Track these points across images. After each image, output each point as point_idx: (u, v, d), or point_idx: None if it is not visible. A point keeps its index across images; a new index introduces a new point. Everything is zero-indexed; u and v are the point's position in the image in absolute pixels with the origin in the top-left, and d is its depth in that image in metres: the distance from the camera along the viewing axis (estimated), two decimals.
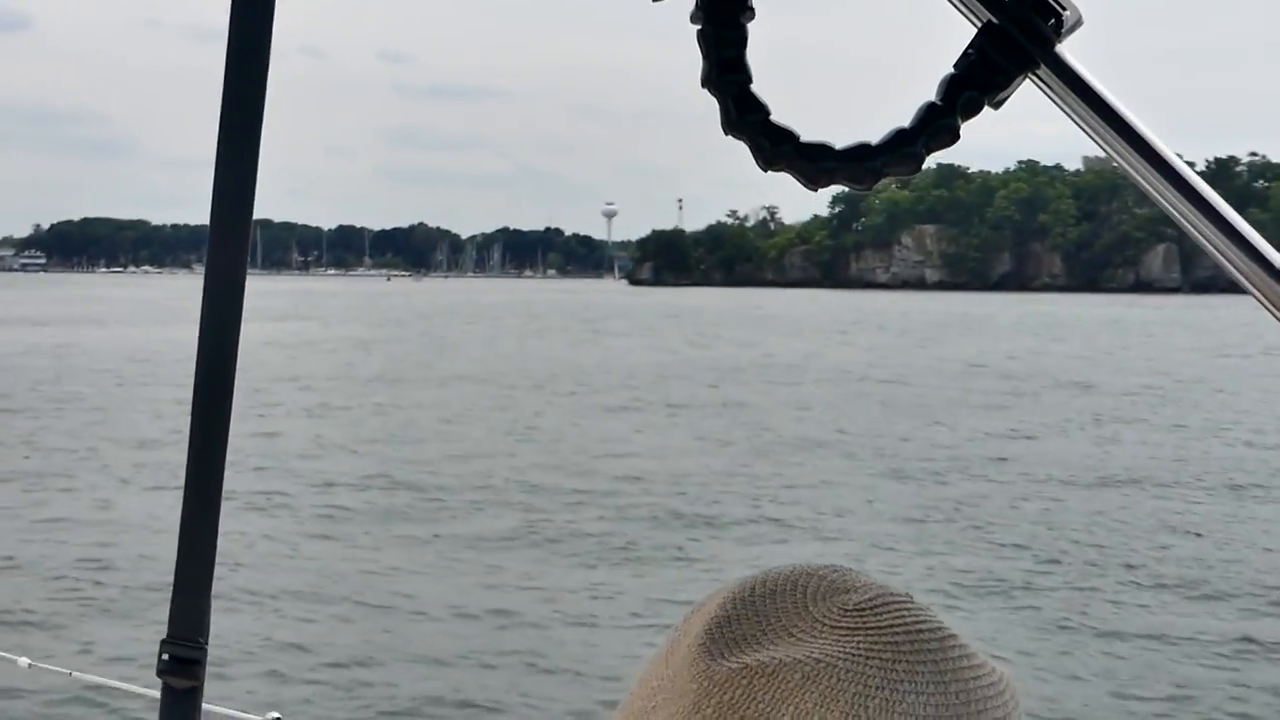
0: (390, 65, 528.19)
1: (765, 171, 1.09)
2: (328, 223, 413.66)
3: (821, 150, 1.08)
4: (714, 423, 36.24)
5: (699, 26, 1.05)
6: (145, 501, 22.99)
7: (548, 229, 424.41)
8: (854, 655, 0.90)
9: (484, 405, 40.23)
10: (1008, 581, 18.40)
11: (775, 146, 1.07)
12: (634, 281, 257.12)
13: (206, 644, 1.64)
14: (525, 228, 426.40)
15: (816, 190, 1.12)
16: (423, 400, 41.39)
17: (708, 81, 1.06)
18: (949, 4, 1.09)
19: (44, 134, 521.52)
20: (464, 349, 67.38)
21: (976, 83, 1.07)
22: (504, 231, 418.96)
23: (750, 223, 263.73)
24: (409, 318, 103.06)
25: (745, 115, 1.06)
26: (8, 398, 38.81)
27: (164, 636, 1.52)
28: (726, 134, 1.07)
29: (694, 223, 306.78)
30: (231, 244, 1.47)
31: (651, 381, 48.65)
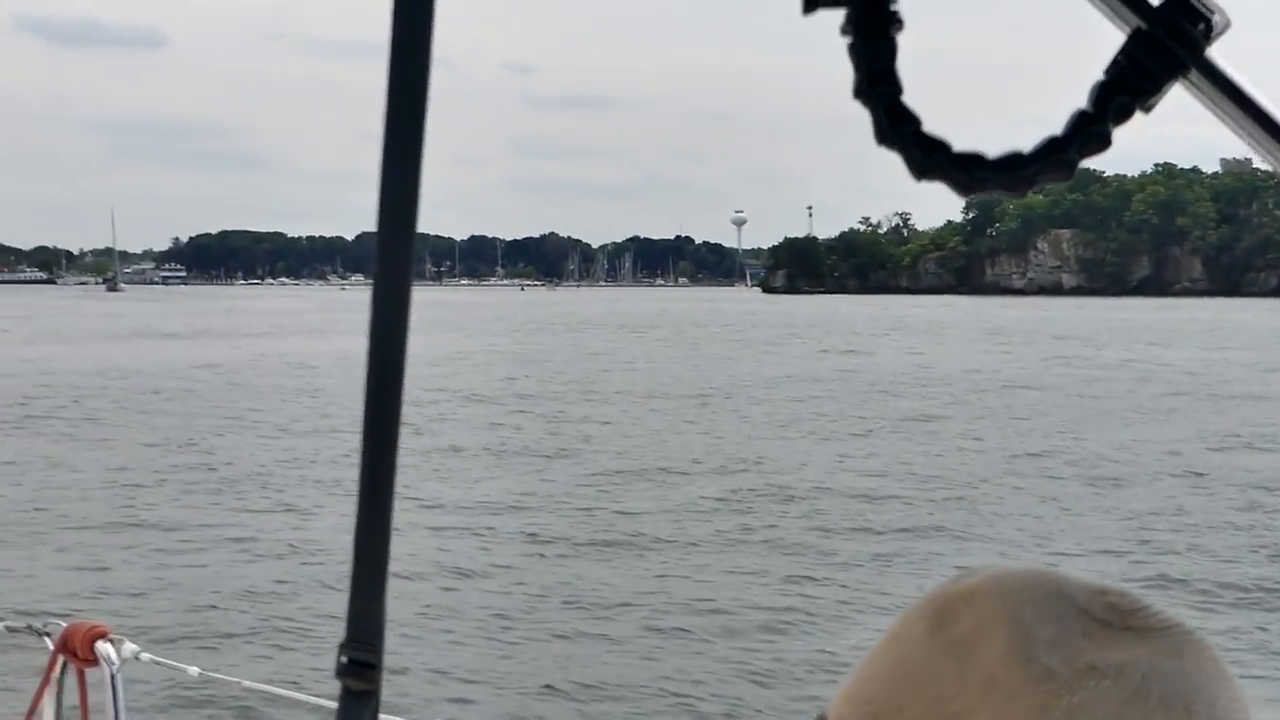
0: (518, 76, 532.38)
1: (918, 181, 1.11)
2: (460, 233, 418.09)
3: (974, 160, 1.10)
4: (898, 435, 36.23)
5: (849, 39, 1.07)
6: (324, 513, 23.49)
7: (678, 237, 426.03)
8: (1171, 655, 0.92)
9: (661, 418, 40.49)
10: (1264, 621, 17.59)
11: (928, 157, 1.10)
12: (767, 289, 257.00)
13: (382, 648, 1.65)
14: (655, 236, 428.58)
15: (968, 198, 1.26)
16: (596, 414, 41.66)
17: (860, 93, 1.08)
18: (1096, 11, 1.08)
19: (181, 148, 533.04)
20: (624, 359, 67.98)
21: (1128, 88, 1.07)
22: (634, 240, 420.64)
23: (883, 229, 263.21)
24: (555, 327, 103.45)
25: (897, 127, 1.09)
26: (188, 413, 39.90)
27: (341, 640, 1.55)
28: (880, 145, 1.10)
29: (824, 229, 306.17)
30: (398, 255, 1.48)
31: (824, 392, 48.69)
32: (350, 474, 1.44)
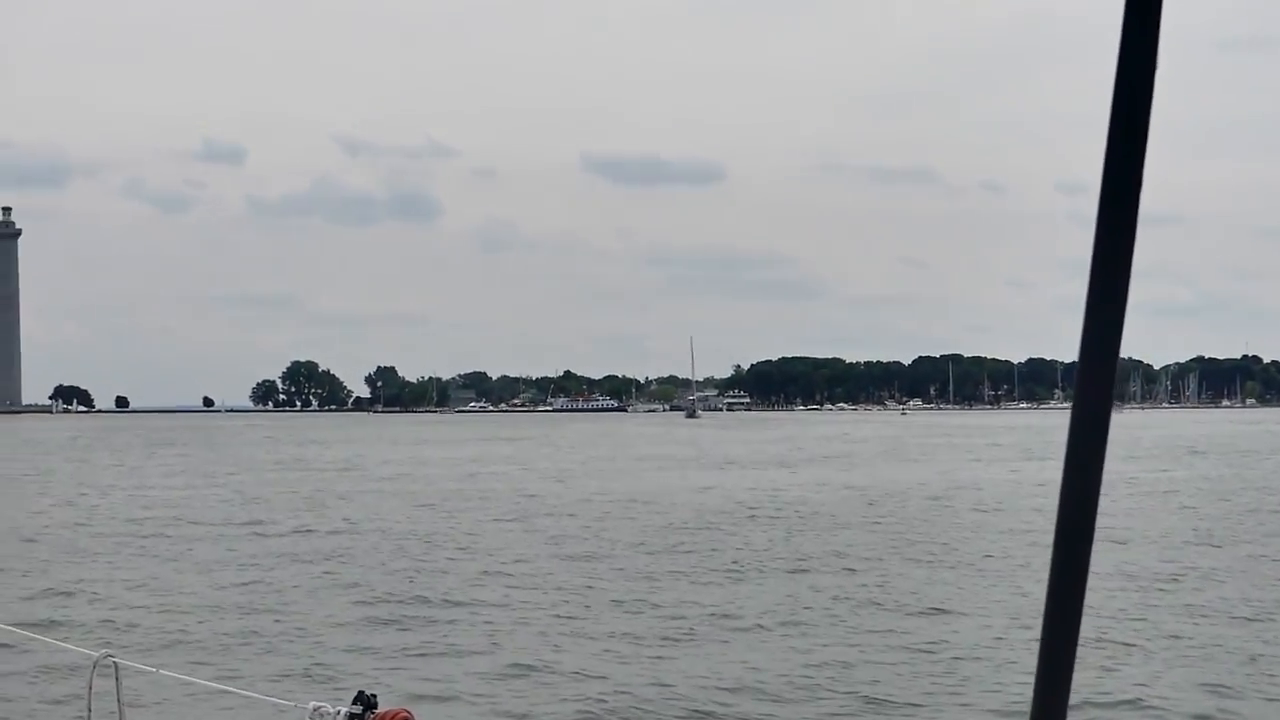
0: (1068, 196, 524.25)
1: None
2: (1016, 356, 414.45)
3: None
4: None
5: None
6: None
7: (1244, 357, 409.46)
8: None
9: None
10: None
11: None
12: None
13: None
14: (1220, 356, 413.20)
15: None
16: None
17: None
18: None
19: (738, 278, 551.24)
20: None
21: None
22: (1199, 360, 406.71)
23: None
24: (1184, 453, 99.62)
25: None
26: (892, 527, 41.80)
27: None
28: None
29: None
30: (1099, 382, 1.47)
31: None
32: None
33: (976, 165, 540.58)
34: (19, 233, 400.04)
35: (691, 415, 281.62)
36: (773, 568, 32.68)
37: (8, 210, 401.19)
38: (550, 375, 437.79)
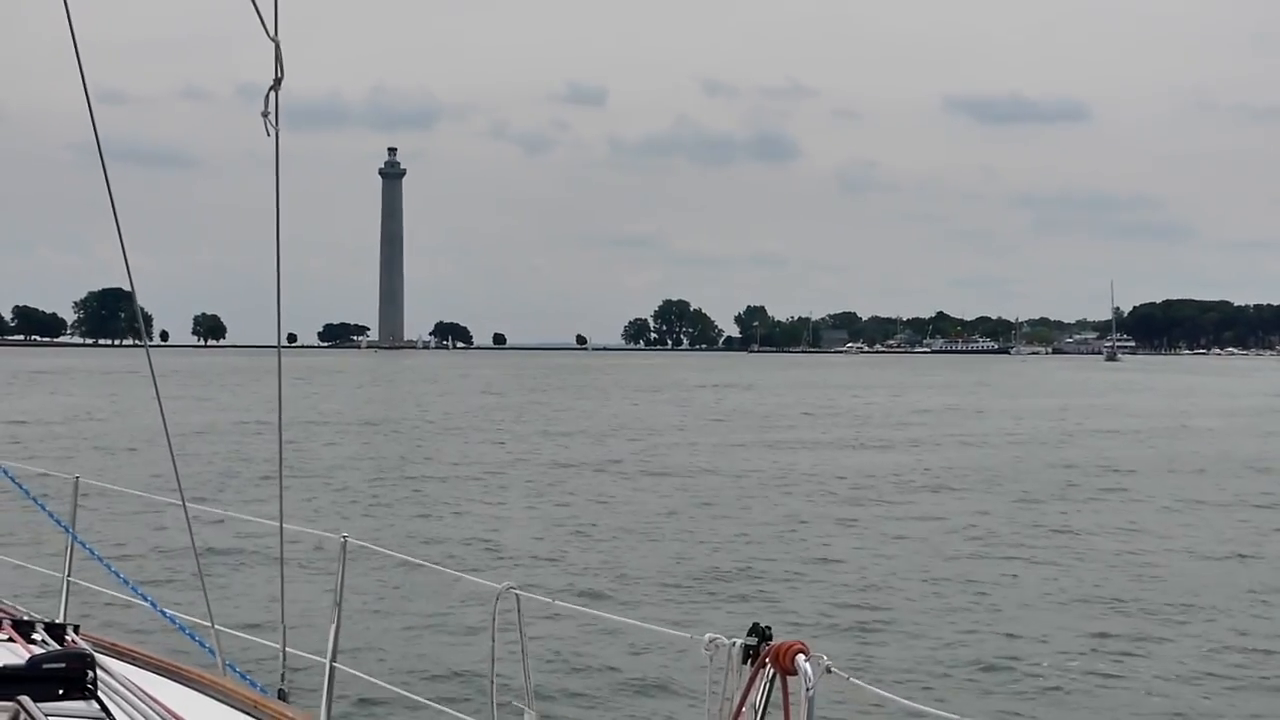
0: None
1: None
2: None
3: None
4: None
5: None
6: None
7: None
8: None
9: None
10: None
11: None
12: None
13: None
14: None
15: None
16: None
17: None
18: None
19: (1105, 219, 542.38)
20: None
21: None
22: None
23: None
24: None
25: None
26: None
27: None
28: None
29: None
30: None
31: None
32: None
33: None
34: (404, 173, 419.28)
35: (1112, 358, 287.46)
36: None
37: (393, 151, 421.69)
38: (921, 316, 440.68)
